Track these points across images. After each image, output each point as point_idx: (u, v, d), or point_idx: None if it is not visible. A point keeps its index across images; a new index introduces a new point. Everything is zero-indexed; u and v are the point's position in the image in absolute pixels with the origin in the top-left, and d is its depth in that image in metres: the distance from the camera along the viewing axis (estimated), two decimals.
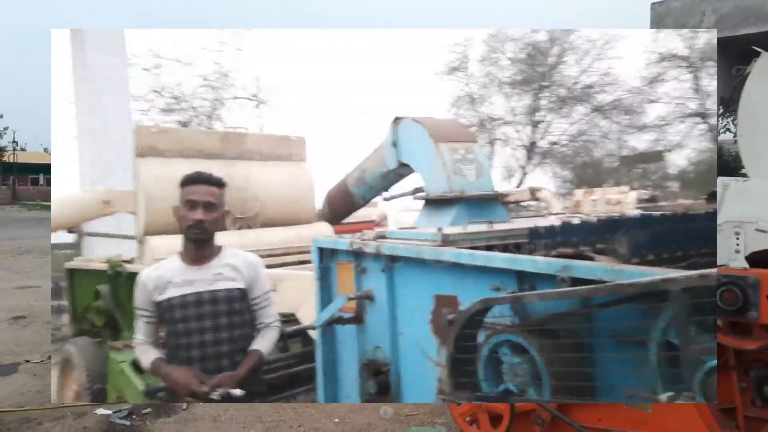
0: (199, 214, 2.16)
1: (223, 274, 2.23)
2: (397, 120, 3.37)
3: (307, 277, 3.51)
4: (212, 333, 2.17)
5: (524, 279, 1.78)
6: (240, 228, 4.68)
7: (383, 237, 2.47)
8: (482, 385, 1.73)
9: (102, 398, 3.92)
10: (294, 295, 3.27)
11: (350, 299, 2.48)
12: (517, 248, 2.22)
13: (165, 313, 2.19)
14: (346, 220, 4.82)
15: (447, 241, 2.17)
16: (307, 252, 5.01)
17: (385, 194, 3.93)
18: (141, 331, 2.30)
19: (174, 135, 4.64)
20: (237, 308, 2.24)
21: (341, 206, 4.50)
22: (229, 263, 2.26)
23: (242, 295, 2.26)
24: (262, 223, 4.87)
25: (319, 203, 5.05)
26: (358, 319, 2.54)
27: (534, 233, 2.12)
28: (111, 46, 9.33)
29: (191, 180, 2.25)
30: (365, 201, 4.23)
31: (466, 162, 3.00)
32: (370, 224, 9.87)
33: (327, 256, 2.77)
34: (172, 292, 2.17)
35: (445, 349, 2.11)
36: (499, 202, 3.07)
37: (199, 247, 2.23)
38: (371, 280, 2.50)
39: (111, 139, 8.51)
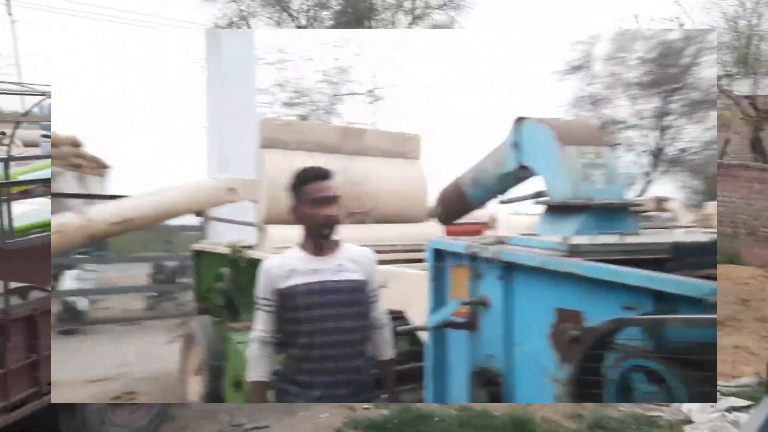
0: (333, 210, 2.22)
1: (345, 266, 2.26)
2: (519, 120, 3.24)
3: (418, 276, 3.48)
4: (334, 322, 2.18)
5: (662, 300, 1.62)
6: (353, 222, 4.76)
7: (502, 242, 2.37)
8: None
9: (220, 374, 4.15)
10: (404, 293, 3.25)
11: (464, 304, 2.41)
12: (652, 265, 2.03)
13: (288, 300, 2.21)
14: (456, 221, 4.74)
15: (573, 251, 2.03)
16: (417, 250, 5.02)
17: (502, 197, 3.80)
18: (260, 321, 2.31)
19: (297, 128, 4.81)
20: (358, 299, 2.26)
21: (454, 206, 4.42)
22: (349, 256, 2.30)
23: (363, 286, 2.29)
24: (375, 219, 4.92)
25: (431, 202, 5.01)
26: (471, 324, 2.47)
27: (677, 249, 1.93)
28: (242, 44, 9.89)
29: (316, 176, 2.26)
30: (480, 203, 4.12)
31: (595, 167, 2.81)
32: (481, 225, 9.68)
33: (442, 257, 2.73)
34: (296, 280, 2.20)
35: (565, 366, 1.99)
36: (629, 212, 2.86)
37: (325, 240, 2.26)
38: (487, 286, 2.42)
39: (237, 130, 9.03)
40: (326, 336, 2.17)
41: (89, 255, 9.01)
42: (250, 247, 4.60)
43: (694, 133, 19.69)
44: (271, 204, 4.45)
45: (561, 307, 2.04)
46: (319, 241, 2.26)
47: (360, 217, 4.84)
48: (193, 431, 4.35)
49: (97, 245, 8.68)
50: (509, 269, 2.29)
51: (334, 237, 2.32)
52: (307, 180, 2.26)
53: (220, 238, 6.14)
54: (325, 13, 17.67)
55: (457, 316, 2.49)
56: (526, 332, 2.21)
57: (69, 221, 4.46)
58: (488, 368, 2.36)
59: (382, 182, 4.98)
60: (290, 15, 17.62)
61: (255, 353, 2.29)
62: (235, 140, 8.98)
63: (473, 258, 2.48)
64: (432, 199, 5.00)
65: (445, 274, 2.70)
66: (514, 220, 13.43)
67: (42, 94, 4.87)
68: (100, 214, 4.71)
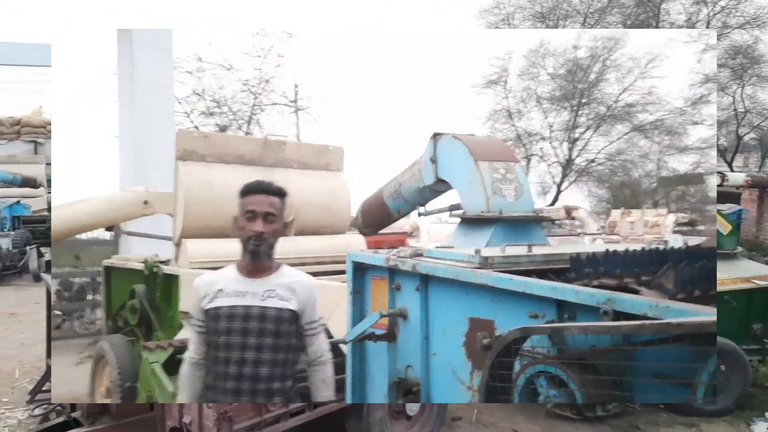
0: (258, 226, 2.06)
1: (276, 292, 2.09)
2: (436, 136, 3.36)
3: (338, 288, 3.51)
4: (254, 352, 2.02)
5: (564, 308, 1.74)
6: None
7: (420, 255, 2.45)
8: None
9: (132, 397, 3.98)
10: (324, 306, 3.27)
11: (383, 316, 2.46)
12: (557, 275, 2.17)
13: (211, 321, 2.08)
14: (378, 232, 4.81)
15: (485, 263, 2.14)
16: (340, 262, 5.05)
17: (421, 209, 3.91)
18: (191, 341, 2.18)
19: (215, 140, 4.72)
20: (285, 330, 2.07)
21: (376, 218, 4.49)
22: (285, 282, 2.11)
23: (293, 317, 2.09)
24: (297, 231, 4.90)
25: (353, 213, 5.06)
26: (390, 336, 2.53)
27: (575, 261, 2.07)
28: (158, 47, 9.48)
29: (251, 189, 2.13)
30: (400, 215, 4.21)
31: (505, 182, 2.96)
32: (403, 235, 9.85)
33: (361, 270, 2.77)
34: (221, 302, 2.06)
35: (478, 374, 2.08)
36: (538, 224, 3.03)
37: (257, 259, 2.10)
38: (405, 298, 2.49)
39: (153, 140, 8.69)
40: (243, 366, 2.01)
41: None
42: (165, 263, 4.46)
43: (601, 145, 21.08)
44: (188, 217, 4.33)
45: (474, 316, 2.13)
46: (252, 260, 2.10)
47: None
48: None
49: None
50: (426, 281, 2.37)
51: (271, 258, 2.15)
52: (246, 192, 2.14)
53: (132, 254, 5.89)
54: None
55: (377, 328, 2.53)
56: (441, 342, 2.29)
57: None
58: (407, 378, 2.43)
59: (304, 194, 4.97)
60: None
61: (184, 374, 2.17)
62: (150, 150, 8.66)
63: (392, 271, 2.54)
64: (354, 210, 5.06)
65: (366, 287, 2.75)
66: (435, 229, 13.76)
67: None
68: None
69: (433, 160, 3.37)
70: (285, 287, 2.10)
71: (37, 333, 7.35)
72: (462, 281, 2.13)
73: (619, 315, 1.51)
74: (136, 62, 9.14)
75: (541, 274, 2.19)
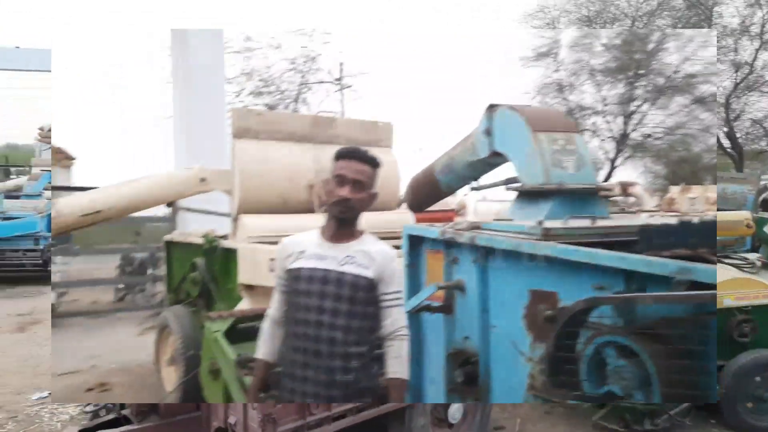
0: (345, 191, 2.03)
1: (355, 259, 2.06)
2: (491, 107, 3.29)
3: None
4: (330, 316, 2.01)
5: (632, 279, 1.69)
6: (325, 211, 4.77)
7: (478, 228, 2.43)
8: (584, 386, 1.67)
9: (195, 364, 4.13)
10: None
11: (440, 288, 2.46)
12: (621, 247, 2.11)
13: (292, 282, 2.09)
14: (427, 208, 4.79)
15: (548, 235, 2.10)
16: (391, 238, 5.06)
17: (474, 183, 3.86)
18: (273, 299, 2.20)
19: (268, 118, 4.78)
20: (360, 297, 2.04)
21: (426, 194, 4.47)
22: (365, 250, 2.08)
23: (369, 285, 2.05)
24: None
25: (403, 190, 5.05)
26: (447, 308, 2.53)
27: (644, 232, 2.00)
28: (210, 34, 9.67)
29: (344, 155, 2.11)
30: (451, 190, 4.17)
31: (565, 153, 2.89)
32: (450, 212, 9.78)
33: (417, 244, 2.77)
34: (302, 263, 2.07)
35: (539, 345, 2.06)
36: (598, 196, 2.94)
37: (340, 225, 2.09)
38: (462, 271, 2.47)
39: (206, 120, 8.89)
40: (320, 329, 2.01)
41: (55, 247, 8.81)
42: (224, 237, 4.58)
43: (658, 119, 20.23)
44: (243, 193, 4.42)
45: (535, 288, 2.10)
46: (335, 224, 2.10)
47: None
48: None
49: (60, 238, 8.47)
50: (484, 254, 2.35)
51: (355, 225, 2.14)
52: (339, 156, 2.12)
53: (189, 229, 6.08)
54: None
55: (434, 300, 2.54)
56: (500, 314, 2.28)
57: None
58: (464, 349, 2.43)
59: None
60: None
61: (264, 331, 2.21)
62: (203, 130, 8.86)
63: (448, 244, 2.53)
64: (403, 187, 5.05)
65: (421, 260, 2.75)
66: (481, 207, 13.62)
67: None
68: (70, 206, 4.62)
69: (488, 133, 3.31)
70: (364, 254, 2.07)
71: None
72: (523, 253, 2.10)
73: (694, 285, 1.46)
74: (191, 50, 9.33)
75: (607, 247, 2.13)
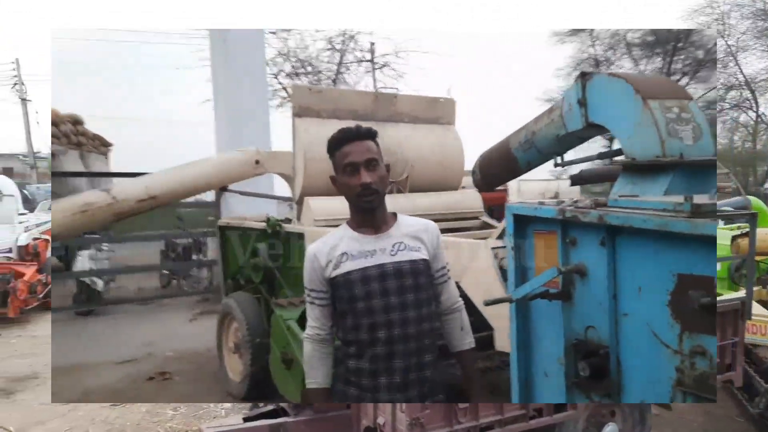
0: (364, 177, 1.84)
1: (405, 244, 1.92)
2: (585, 75, 3.03)
3: (471, 245, 3.33)
4: (399, 312, 1.87)
5: None
6: (390, 192, 4.57)
7: (603, 205, 2.19)
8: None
9: (262, 352, 4.00)
10: (455, 263, 3.10)
11: (561, 273, 2.24)
12: None
13: (341, 290, 1.89)
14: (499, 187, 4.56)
15: (698, 212, 1.85)
16: (454, 219, 4.85)
17: (558, 159, 3.61)
18: (312, 317, 2.00)
19: (328, 95, 4.58)
20: (423, 282, 1.93)
21: (499, 172, 4.22)
22: (410, 232, 1.96)
23: (427, 266, 1.95)
24: (411, 188, 4.74)
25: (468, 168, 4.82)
26: (565, 294, 2.31)
27: None
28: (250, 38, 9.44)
29: (341, 139, 1.89)
30: (531, 167, 3.92)
31: (681, 122, 2.63)
32: (503, 192, 9.54)
33: (523, 224, 2.55)
34: (349, 266, 1.88)
35: (690, 336, 1.84)
36: (713, 170, 2.68)
37: (373, 214, 1.91)
38: (584, 253, 2.24)
39: (247, 102, 8.72)
40: (391, 329, 1.86)
41: (98, 234, 8.80)
42: (288, 221, 4.42)
43: (697, 94, 19.52)
44: (307, 174, 4.25)
45: (684, 272, 1.87)
46: (366, 216, 1.92)
47: (397, 187, 4.65)
48: None
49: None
50: (611, 234, 2.12)
51: (386, 209, 1.97)
52: (337, 145, 1.91)
53: (234, 213, 5.94)
54: None
55: (549, 286, 2.32)
56: (635, 301, 2.04)
57: (96, 200, 4.24)
58: (588, 340, 2.21)
59: (417, 149, 4.78)
60: None
61: (310, 355, 2.00)
62: (245, 113, 8.70)
63: (564, 223, 2.30)
64: (469, 165, 4.82)
65: (528, 242, 2.53)
66: (525, 186, 13.27)
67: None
68: (127, 191, 4.50)
69: (582, 103, 3.06)
70: (412, 237, 1.95)
71: None
72: (667, 232, 1.87)
73: None
74: (229, 36, 9.14)
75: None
